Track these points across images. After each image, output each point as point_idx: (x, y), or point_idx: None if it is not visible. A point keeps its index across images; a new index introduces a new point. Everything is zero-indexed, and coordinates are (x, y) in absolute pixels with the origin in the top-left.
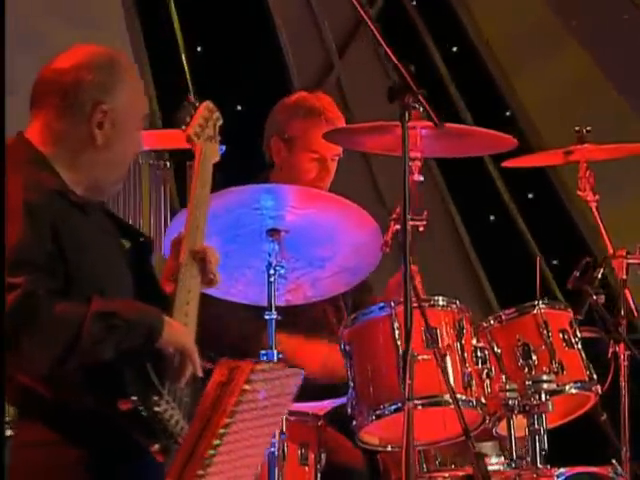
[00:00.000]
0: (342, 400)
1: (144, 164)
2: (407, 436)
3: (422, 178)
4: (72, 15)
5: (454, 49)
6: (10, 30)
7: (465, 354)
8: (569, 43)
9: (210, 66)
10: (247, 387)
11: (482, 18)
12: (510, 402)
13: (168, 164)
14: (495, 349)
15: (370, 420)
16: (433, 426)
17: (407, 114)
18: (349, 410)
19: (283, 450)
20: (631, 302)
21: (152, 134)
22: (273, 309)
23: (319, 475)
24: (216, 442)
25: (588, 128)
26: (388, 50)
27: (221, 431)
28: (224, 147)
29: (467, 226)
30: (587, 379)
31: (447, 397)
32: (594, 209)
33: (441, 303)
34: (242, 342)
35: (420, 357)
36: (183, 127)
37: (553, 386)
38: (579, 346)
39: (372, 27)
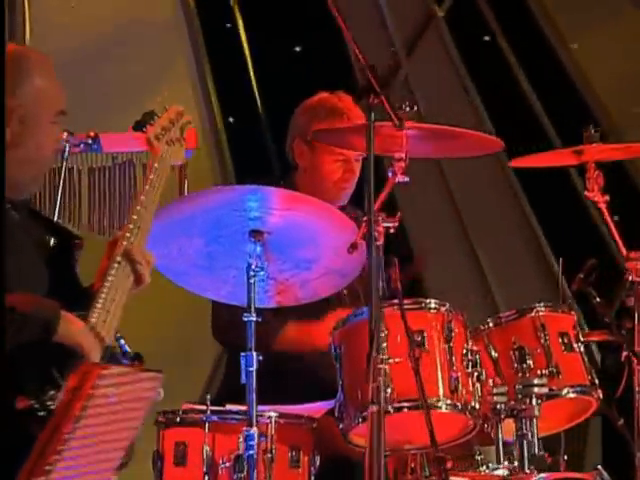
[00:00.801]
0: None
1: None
2: (371, 440)
3: (407, 179)
4: None
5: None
6: None
7: (454, 357)
8: None
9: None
10: (94, 392)
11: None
12: (498, 406)
13: None
14: (492, 352)
15: (357, 422)
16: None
17: (372, 114)
18: (336, 412)
19: (272, 452)
20: None
21: (117, 136)
22: (252, 311)
23: (313, 477)
24: (60, 447)
25: (597, 128)
26: (357, 50)
27: (66, 437)
28: (191, 152)
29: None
30: (588, 383)
31: (434, 400)
32: (604, 210)
33: (430, 306)
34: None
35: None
36: (144, 129)
37: (545, 390)
38: (581, 350)
39: (343, 26)
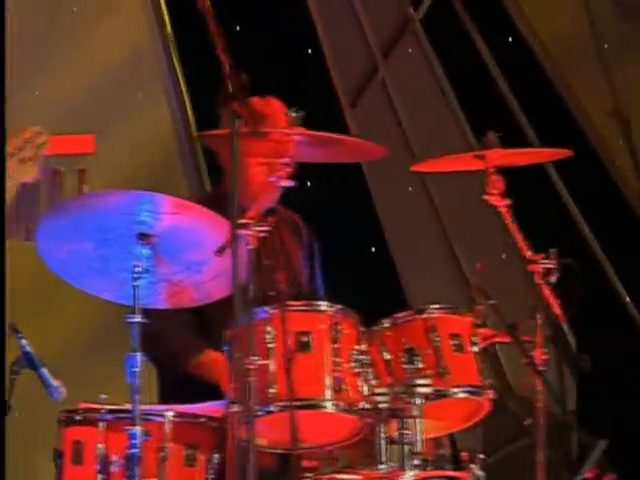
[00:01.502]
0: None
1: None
2: (232, 439)
3: (292, 183)
4: None
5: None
6: None
7: (339, 358)
8: None
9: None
10: None
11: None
12: (380, 406)
13: None
14: (384, 353)
15: (243, 421)
16: (322, 428)
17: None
18: (226, 411)
19: (164, 450)
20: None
21: None
22: (137, 312)
23: (211, 476)
24: None
25: (499, 134)
26: (223, 58)
27: None
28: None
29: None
30: (479, 384)
31: (320, 400)
32: (504, 213)
33: (318, 307)
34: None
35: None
36: None
37: (429, 390)
38: (475, 350)
39: (214, 31)
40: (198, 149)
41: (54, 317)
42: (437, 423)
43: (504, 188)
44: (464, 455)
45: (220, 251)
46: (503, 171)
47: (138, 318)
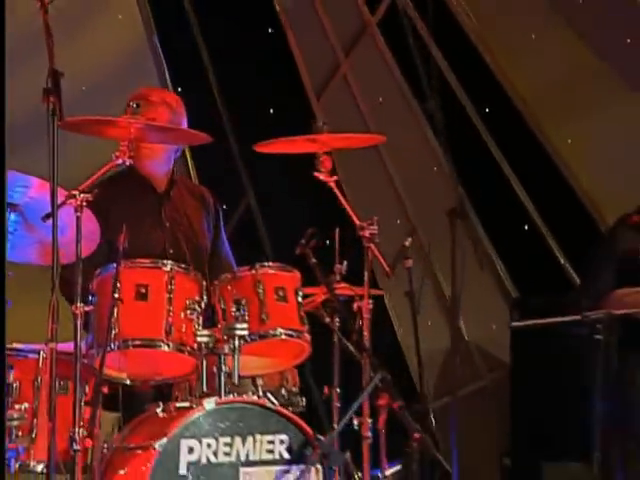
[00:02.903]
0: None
1: None
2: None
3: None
4: None
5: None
6: None
7: (172, 307)
8: None
9: (223, 73)
10: None
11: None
12: (203, 345)
13: None
14: (221, 303)
15: (97, 354)
16: (166, 365)
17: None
18: (84, 349)
19: (38, 380)
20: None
21: None
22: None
23: (82, 403)
24: None
25: (325, 121)
26: (49, 55)
27: None
28: None
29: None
30: (297, 329)
31: (157, 340)
32: (334, 188)
33: (157, 265)
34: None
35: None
36: None
37: (245, 332)
38: (299, 301)
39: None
40: None
41: None
42: (269, 360)
43: (331, 167)
44: (325, 390)
45: (45, 218)
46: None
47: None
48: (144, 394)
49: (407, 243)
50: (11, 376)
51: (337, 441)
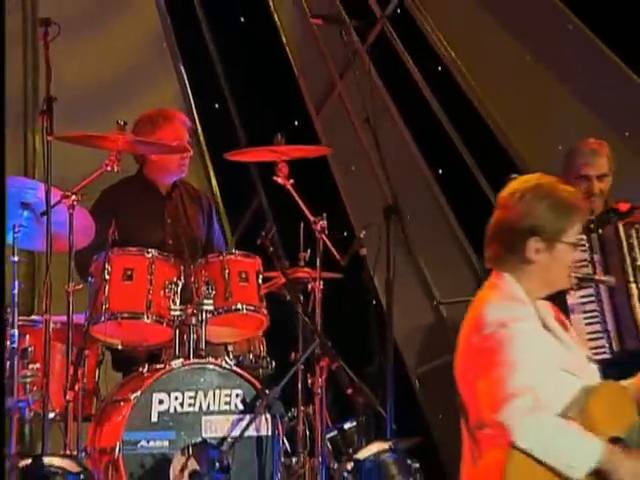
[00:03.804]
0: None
1: None
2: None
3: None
4: None
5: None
6: None
7: (152, 286)
8: None
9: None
10: None
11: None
12: (176, 318)
13: None
14: (195, 283)
15: (89, 325)
16: (149, 334)
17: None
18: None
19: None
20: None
21: None
22: (16, 254)
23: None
24: None
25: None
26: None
27: None
28: None
29: None
30: (256, 305)
31: (139, 313)
32: (291, 190)
33: (142, 253)
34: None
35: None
36: None
37: (210, 307)
38: (258, 282)
39: None
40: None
41: None
42: (235, 331)
43: (288, 172)
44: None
45: (42, 214)
46: None
47: (15, 258)
48: (139, 357)
49: (362, 235)
50: (26, 342)
51: (280, 394)
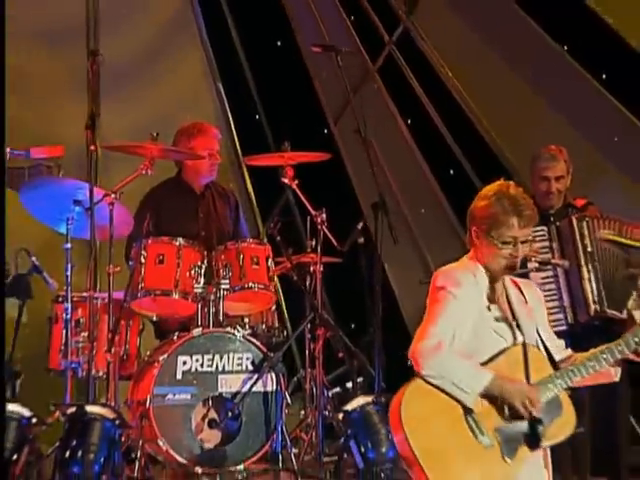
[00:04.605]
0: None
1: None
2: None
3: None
4: None
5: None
6: None
7: (179, 269)
8: None
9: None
10: None
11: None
12: (198, 295)
13: None
14: (218, 266)
15: (132, 299)
16: (177, 308)
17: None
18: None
19: (95, 318)
20: (333, 240)
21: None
22: (69, 241)
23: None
24: None
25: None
26: (93, 99)
27: None
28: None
29: None
30: (266, 284)
31: (169, 290)
32: (296, 189)
33: (170, 241)
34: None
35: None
36: None
37: (227, 286)
38: (268, 265)
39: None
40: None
41: None
42: (249, 305)
43: (293, 174)
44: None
45: (87, 209)
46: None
47: (69, 245)
48: (173, 327)
49: (359, 227)
50: (78, 314)
51: (281, 358)
